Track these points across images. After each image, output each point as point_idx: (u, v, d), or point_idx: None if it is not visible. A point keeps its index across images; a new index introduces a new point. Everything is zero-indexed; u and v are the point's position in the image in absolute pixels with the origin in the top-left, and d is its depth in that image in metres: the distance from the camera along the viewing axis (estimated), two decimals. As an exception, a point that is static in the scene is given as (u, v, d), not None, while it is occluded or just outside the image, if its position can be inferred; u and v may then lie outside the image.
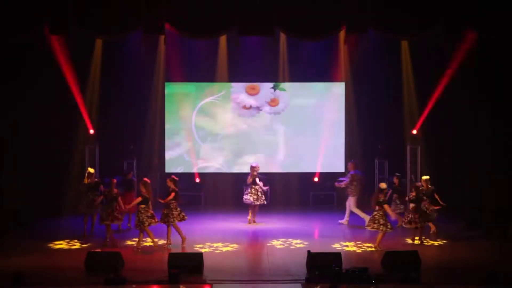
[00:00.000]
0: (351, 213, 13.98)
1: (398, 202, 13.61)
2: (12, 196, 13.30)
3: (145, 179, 11.80)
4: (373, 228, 11.51)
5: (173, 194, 11.67)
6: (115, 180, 12.41)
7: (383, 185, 11.66)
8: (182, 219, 11.84)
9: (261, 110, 16.60)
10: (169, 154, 16.60)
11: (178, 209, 11.79)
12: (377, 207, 11.49)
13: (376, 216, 11.47)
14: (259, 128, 16.54)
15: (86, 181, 12.80)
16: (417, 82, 15.93)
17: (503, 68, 14.33)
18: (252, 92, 16.50)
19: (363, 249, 11.44)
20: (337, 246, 11.74)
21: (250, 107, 16.54)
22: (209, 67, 16.56)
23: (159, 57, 16.44)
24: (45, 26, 12.80)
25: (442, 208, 12.53)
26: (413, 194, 12.20)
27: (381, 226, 11.35)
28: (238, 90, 16.57)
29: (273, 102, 16.61)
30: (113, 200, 12.13)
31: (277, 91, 16.61)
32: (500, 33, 12.72)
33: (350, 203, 13.91)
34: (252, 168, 14.18)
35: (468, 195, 13.79)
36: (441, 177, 15.32)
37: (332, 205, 16.45)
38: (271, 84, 16.60)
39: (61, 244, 11.82)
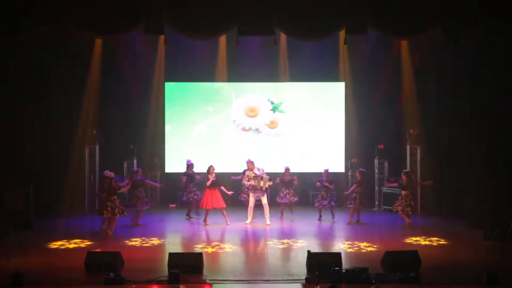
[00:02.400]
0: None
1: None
2: (12, 196, 13.28)
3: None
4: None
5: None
6: (112, 174, 12.96)
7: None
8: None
9: (260, 132, 16.57)
10: (169, 155, 16.57)
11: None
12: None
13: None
14: (258, 146, 16.43)
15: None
16: (417, 82, 15.92)
17: (503, 67, 14.32)
18: (251, 114, 16.48)
19: (363, 249, 11.45)
20: (337, 246, 11.75)
21: (250, 129, 16.51)
22: (209, 67, 16.56)
23: (159, 57, 16.44)
24: (44, 26, 12.80)
25: None
26: (405, 181, 13.80)
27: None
28: (238, 113, 16.55)
29: (272, 124, 16.59)
30: (113, 193, 12.75)
31: (276, 113, 16.58)
32: (500, 32, 12.73)
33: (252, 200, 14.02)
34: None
35: (468, 195, 13.79)
36: (441, 177, 15.35)
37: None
38: (270, 106, 16.58)
39: (62, 244, 11.85)
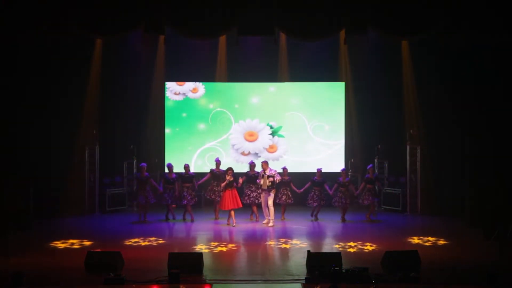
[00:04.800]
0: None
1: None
2: (12, 196, 13.29)
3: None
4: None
5: None
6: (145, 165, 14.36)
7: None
8: None
9: (259, 156, 16.47)
10: (169, 155, 16.55)
11: None
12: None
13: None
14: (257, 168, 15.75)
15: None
16: (417, 82, 15.91)
17: (503, 67, 14.33)
18: (250, 139, 16.41)
19: (363, 249, 11.45)
20: (337, 246, 11.75)
21: (249, 153, 16.44)
22: (209, 67, 16.54)
23: (159, 57, 16.44)
24: (45, 26, 12.80)
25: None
26: (371, 176, 14.36)
27: None
28: (237, 137, 16.52)
29: (271, 149, 16.54)
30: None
31: (276, 137, 16.55)
32: (499, 33, 12.75)
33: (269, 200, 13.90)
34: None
35: (468, 195, 13.79)
36: (441, 176, 15.35)
37: (332, 205, 16.43)
38: (269, 130, 16.55)
39: (62, 244, 11.86)
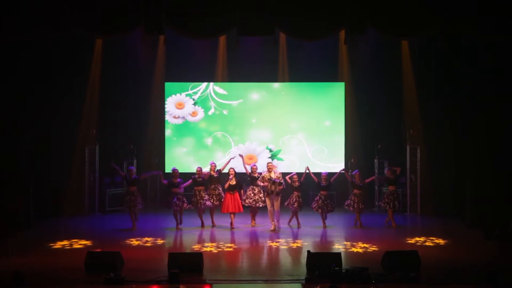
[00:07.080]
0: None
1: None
2: (12, 196, 13.30)
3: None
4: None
5: None
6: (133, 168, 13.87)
7: None
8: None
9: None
10: (169, 155, 16.57)
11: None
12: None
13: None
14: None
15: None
16: (417, 82, 15.92)
17: (503, 67, 14.34)
18: (249, 162, 16.08)
19: (363, 249, 11.45)
20: (337, 246, 11.75)
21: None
22: (209, 67, 16.56)
23: (159, 57, 16.44)
24: (45, 26, 12.80)
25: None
26: (392, 176, 13.92)
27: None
28: (237, 159, 16.44)
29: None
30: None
31: (275, 160, 16.40)
32: (498, 33, 12.76)
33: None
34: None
35: (468, 195, 13.79)
36: (441, 176, 15.36)
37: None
38: (268, 154, 16.54)
39: (62, 244, 11.86)
